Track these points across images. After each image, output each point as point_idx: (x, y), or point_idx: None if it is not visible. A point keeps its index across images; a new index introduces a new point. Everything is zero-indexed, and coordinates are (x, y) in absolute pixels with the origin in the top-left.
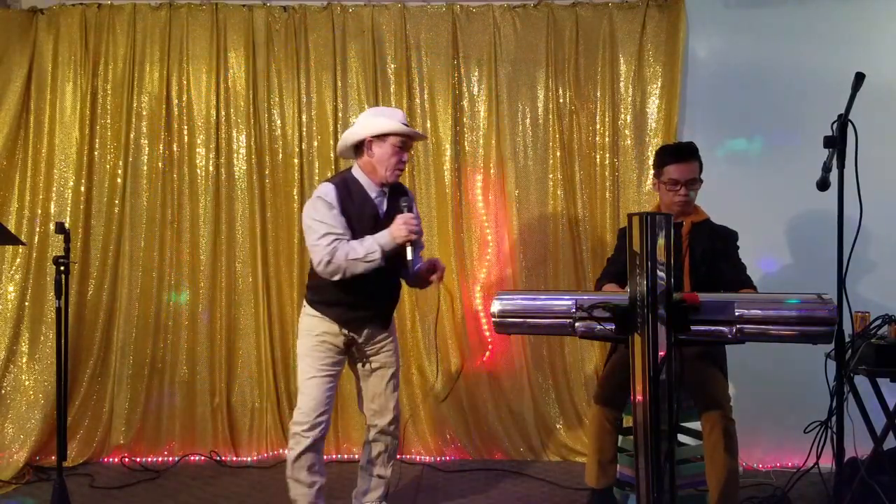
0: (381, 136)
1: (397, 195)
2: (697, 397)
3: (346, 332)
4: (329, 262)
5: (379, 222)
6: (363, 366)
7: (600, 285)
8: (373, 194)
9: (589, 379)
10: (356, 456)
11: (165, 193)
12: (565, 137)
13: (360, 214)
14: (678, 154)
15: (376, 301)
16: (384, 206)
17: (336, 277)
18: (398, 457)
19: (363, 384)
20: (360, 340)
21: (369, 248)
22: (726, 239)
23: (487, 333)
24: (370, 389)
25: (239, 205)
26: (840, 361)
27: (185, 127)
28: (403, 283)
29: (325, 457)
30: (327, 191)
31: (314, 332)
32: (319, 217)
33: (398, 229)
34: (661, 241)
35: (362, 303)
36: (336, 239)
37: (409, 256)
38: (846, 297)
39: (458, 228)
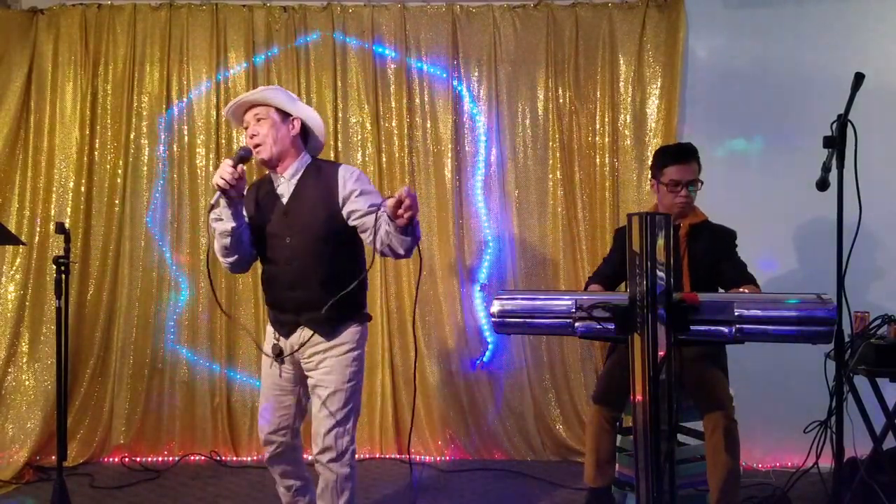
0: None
1: (322, 178)
2: (699, 398)
3: (276, 336)
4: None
5: (280, 210)
6: (308, 382)
7: (587, 285)
8: (275, 182)
9: (589, 379)
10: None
11: (165, 193)
12: (565, 137)
13: (264, 203)
14: (678, 155)
15: (296, 297)
16: (289, 192)
17: (225, 264)
18: (398, 456)
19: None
20: (286, 349)
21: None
22: (725, 239)
23: (487, 333)
24: (312, 409)
25: None
26: (840, 361)
27: (185, 127)
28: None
29: None
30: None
31: (266, 338)
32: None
33: (214, 177)
34: (660, 242)
35: (280, 299)
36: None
37: (212, 201)
38: (846, 297)
39: (458, 228)
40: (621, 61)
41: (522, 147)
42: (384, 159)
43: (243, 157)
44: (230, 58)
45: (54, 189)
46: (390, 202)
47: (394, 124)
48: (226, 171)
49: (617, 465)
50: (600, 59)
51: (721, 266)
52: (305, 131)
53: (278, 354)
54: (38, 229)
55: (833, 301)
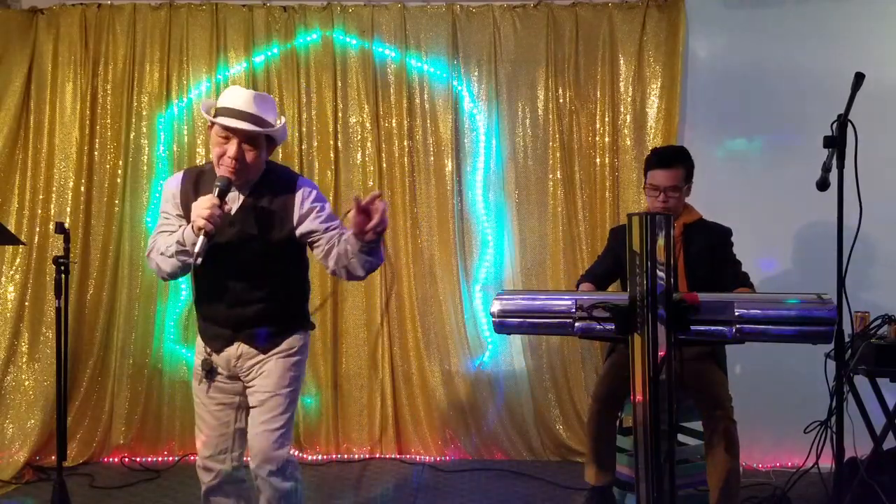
0: (211, 119)
1: (277, 192)
2: (699, 398)
3: (207, 350)
4: (148, 257)
5: (226, 220)
6: (247, 394)
7: (579, 283)
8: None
9: (589, 379)
10: (356, 456)
11: None
12: (565, 137)
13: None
14: (661, 161)
15: (236, 314)
16: (239, 201)
17: (162, 276)
18: (398, 456)
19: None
20: (220, 366)
21: (168, 242)
22: (720, 237)
23: (487, 334)
24: (249, 426)
25: None
26: (840, 361)
27: (185, 127)
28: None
29: (324, 457)
30: (172, 179)
31: (196, 350)
32: (161, 208)
33: (193, 214)
34: (660, 242)
35: (217, 314)
36: (163, 231)
37: (196, 249)
38: (846, 297)
39: (458, 228)
40: (621, 61)
41: (522, 147)
42: (384, 159)
43: (223, 189)
44: (230, 57)
45: (54, 189)
46: (352, 214)
47: (394, 124)
48: (215, 212)
49: (617, 465)
50: (600, 59)
51: (716, 266)
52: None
53: (209, 371)
54: (37, 229)
55: (833, 301)
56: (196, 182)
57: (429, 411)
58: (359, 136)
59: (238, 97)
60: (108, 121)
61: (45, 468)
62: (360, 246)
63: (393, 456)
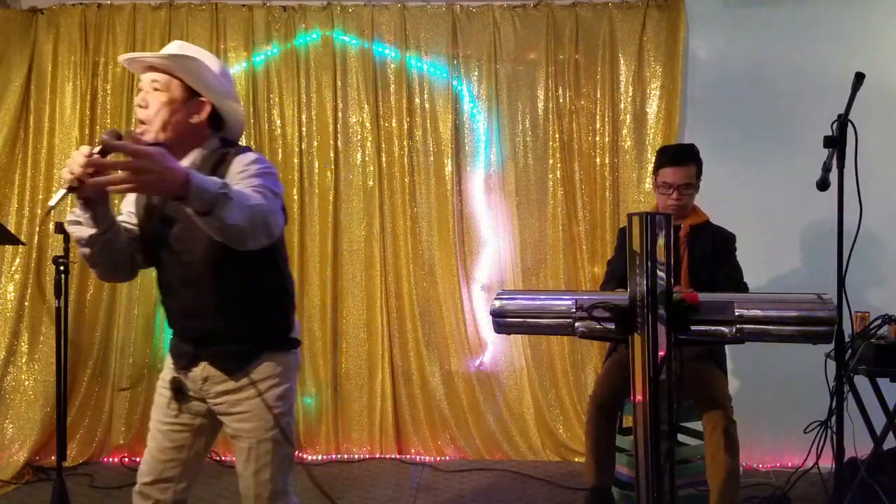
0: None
1: (216, 171)
2: (698, 398)
3: (175, 367)
4: None
5: (169, 215)
6: (225, 429)
7: (608, 289)
8: None
9: (589, 379)
10: (356, 456)
11: None
12: (565, 137)
13: (155, 205)
14: (673, 158)
15: (196, 326)
16: None
17: (95, 271)
18: (398, 456)
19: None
20: (189, 386)
21: None
22: (725, 241)
23: (487, 333)
24: (236, 464)
25: None
26: (840, 361)
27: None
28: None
29: (324, 457)
30: None
31: (165, 362)
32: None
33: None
34: (660, 241)
35: (175, 326)
36: None
37: (51, 202)
38: (846, 297)
39: (458, 228)
40: (621, 61)
41: (522, 147)
42: (384, 159)
43: (107, 143)
44: (230, 57)
45: (54, 189)
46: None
47: (394, 124)
48: (77, 161)
49: (617, 465)
50: (600, 59)
51: (716, 271)
52: (218, 114)
53: (178, 391)
54: (37, 229)
55: (833, 301)
56: None
57: (429, 411)
58: (359, 136)
59: (172, 46)
60: (108, 121)
61: (45, 468)
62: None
63: (393, 456)
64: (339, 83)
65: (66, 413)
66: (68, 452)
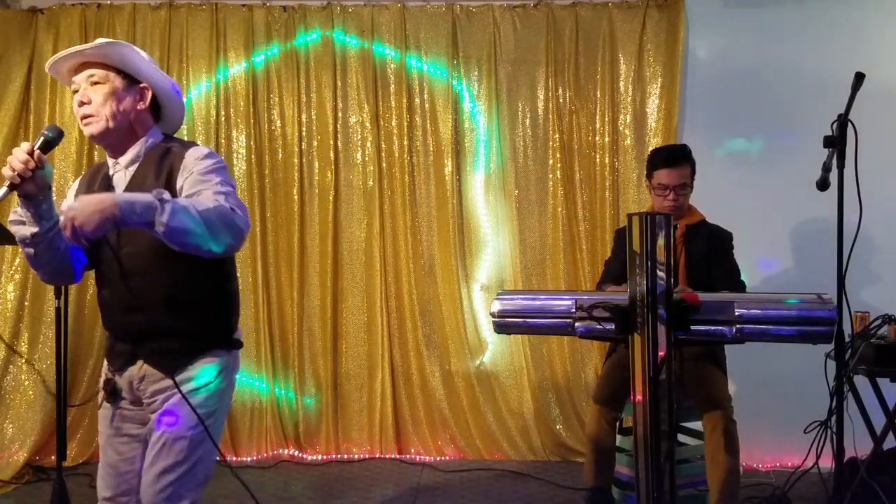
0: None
1: (163, 164)
2: (698, 397)
3: (110, 369)
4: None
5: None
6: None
7: (600, 288)
8: (111, 170)
9: (589, 379)
10: (356, 456)
11: None
12: (565, 137)
13: (81, 195)
14: (668, 159)
15: (135, 321)
16: (124, 184)
17: (38, 273)
18: (398, 456)
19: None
20: (124, 389)
21: None
22: (721, 240)
23: (487, 333)
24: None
25: None
26: (840, 361)
27: (185, 127)
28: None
29: (324, 457)
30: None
31: (102, 370)
32: None
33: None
34: (660, 241)
35: (115, 324)
36: None
37: (20, 213)
38: (846, 297)
39: (458, 228)
40: (621, 61)
41: (522, 147)
42: (384, 159)
43: (50, 140)
44: (230, 57)
45: (54, 189)
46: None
47: (394, 124)
48: (17, 157)
49: (617, 465)
50: (600, 58)
51: (713, 270)
52: (157, 104)
53: (112, 393)
54: None
55: (833, 301)
56: (94, 175)
57: (429, 411)
58: (359, 136)
59: (98, 42)
60: None
61: (45, 468)
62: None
63: (393, 456)
64: (339, 83)
65: (66, 413)
66: (68, 452)
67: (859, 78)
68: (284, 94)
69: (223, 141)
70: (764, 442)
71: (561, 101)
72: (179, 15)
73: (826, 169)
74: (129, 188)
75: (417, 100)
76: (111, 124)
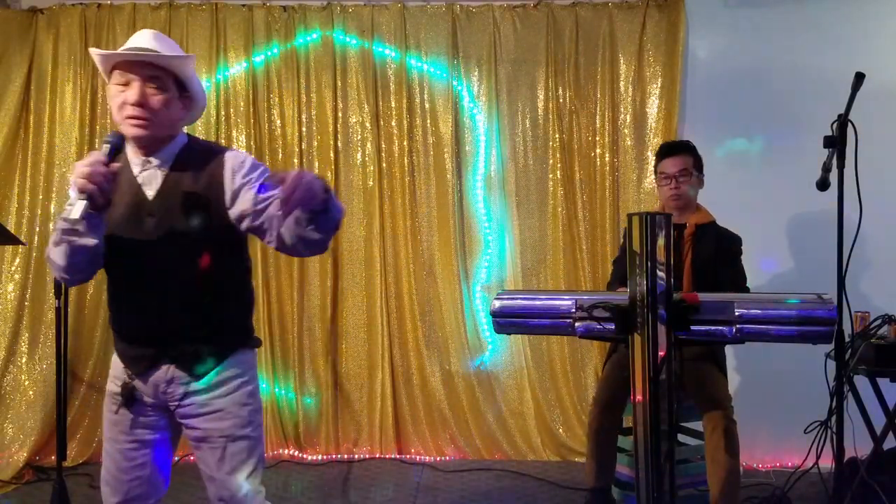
0: (108, 73)
1: (203, 167)
2: (698, 398)
3: (128, 374)
4: (47, 258)
5: (146, 209)
6: (187, 433)
7: (612, 289)
8: (136, 168)
9: (589, 379)
10: (356, 456)
11: None
12: (565, 137)
13: (118, 200)
14: (668, 149)
15: (159, 326)
16: (157, 183)
17: (62, 276)
18: (398, 456)
19: (196, 459)
20: (146, 394)
21: (57, 224)
22: (730, 244)
23: (487, 333)
24: (202, 469)
25: None
26: (840, 361)
27: (185, 127)
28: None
29: (324, 457)
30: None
31: (110, 374)
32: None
33: (73, 175)
34: (660, 241)
35: (135, 328)
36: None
37: (75, 214)
38: (846, 297)
39: (458, 228)
40: (621, 61)
41: (522, 147)
42: (384, 159)
43: (119, 149)
44: (230, 57)
45: (54, 189)
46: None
47: (394, 124)
48: (98, 169)
49: (617, 465)
50: (600, 58)
51: (719, 273)
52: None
53: (130, 399)
54: (37, 229)
55: (833, 301)
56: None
57: (429, 411)
58: (359, 136)
59: (136, 36)
60: (108, 121)
61: (45, 468)
62: (306, 214)
63: (393, 456)
64: (339, 83)
65: (66, 413)
66: (68, 452)
67: (859, 78)
68: (284, 94)
69: (223, 141)
70: (764, 442)
71: (561, 101)
72: (179, 15)
73: (826, 169)
74: (163, 188)
75: (417, 100)
76: (160, 131)
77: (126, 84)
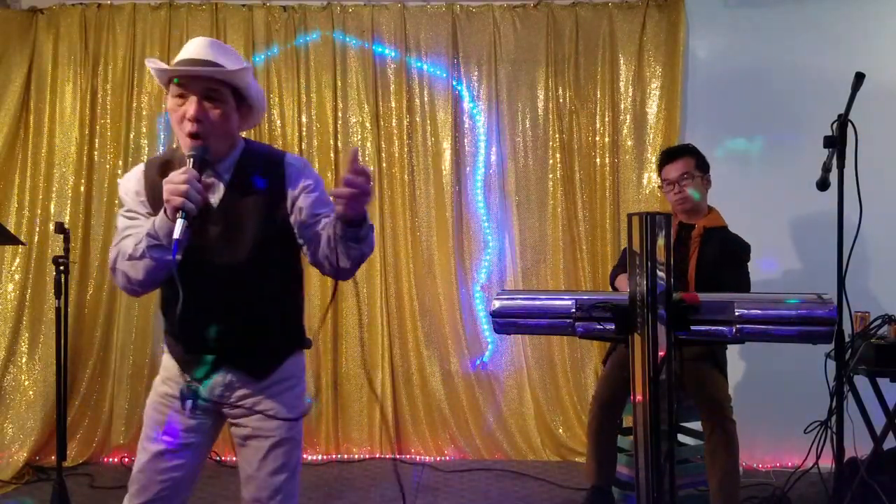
0: (166, 84)
1: (263, 173)
2: (698, 398)
3: (186, 378)
4: (113, 270)
5: (210, 217)
6: (235, 431)
7: (615, 274)
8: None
9: (589, 379)
10: (356, 456)
11: None
12: (565, 137)
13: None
14: (667, 155)
15: (220, 331)
16: (220, 192)
17: (132, 289)
18: (398, 456)
19: (238, 458)
20: (205, 395)
21: (139, 237)
22: (737, 249)
23: (487, 333)
24: (243, 468)
25: None
26: (840, 361)
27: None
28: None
29: (324, 457)
30: (130, 174)
31: (161, 376)
32: (123, 209)
33: (166, 194)
34: (660, 241)
35: (193, 332)
36: (128, 235)
37: (176, 234)
38: (846, 297)
39: (457, 228)
40: (621, 61)
41: (522, 147)
42: (384, 159)
43: (202, 160)
44: None
45: (54, 189)
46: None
47: (394, 124)
48: (194, 187)
49: (617, 465)
50: (600, 59)
51: (724, 276)
52: None
53: (194, 398)
54: (37, 229)
55: (833, 301)
56: (163, 170)
57: (429, 411)
58: (359, 136)
59: (192, 46)
60: (108, 121)
61: (45, 468)
62: (343, 230)
63: (393, 456)
64: (339, 83)
65: (66, 413)
66: (68, 452)
67: (859, 78)
68: (284, 94)
69: None
70: (764, 442)
71: (561, 101)
72: (179, 15)
73: (826, 169)
74: (226, 196)
75: (417, 100)
76: (219, 143)
77: (183, 97)
